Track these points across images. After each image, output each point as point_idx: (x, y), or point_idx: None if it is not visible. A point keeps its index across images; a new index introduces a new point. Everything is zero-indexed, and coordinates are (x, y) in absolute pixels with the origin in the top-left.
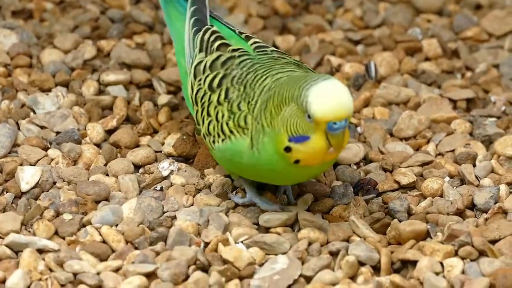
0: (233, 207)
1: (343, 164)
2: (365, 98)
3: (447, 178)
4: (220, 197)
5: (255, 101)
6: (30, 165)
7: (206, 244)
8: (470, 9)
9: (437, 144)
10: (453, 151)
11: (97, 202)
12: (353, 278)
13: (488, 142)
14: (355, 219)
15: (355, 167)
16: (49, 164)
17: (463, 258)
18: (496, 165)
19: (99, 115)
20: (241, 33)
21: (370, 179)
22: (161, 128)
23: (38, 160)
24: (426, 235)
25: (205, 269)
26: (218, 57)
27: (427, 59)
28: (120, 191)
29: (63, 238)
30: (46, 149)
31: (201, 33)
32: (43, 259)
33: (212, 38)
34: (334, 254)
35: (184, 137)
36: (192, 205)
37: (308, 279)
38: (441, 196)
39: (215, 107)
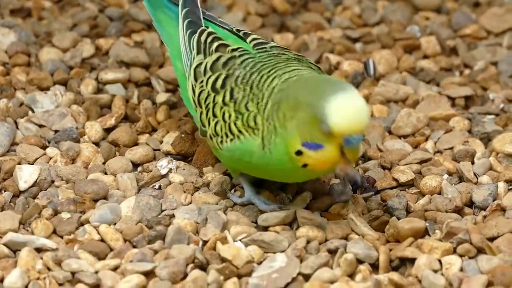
0: (231, 205)
1: None
2: (364, 96)
3: (446, 176)
4: (219, 196)
5: (265, 102)
6: (29, 163)
7: (205, 242)
8: (469, 7)
9: (436, 141)
10: (451, 148)
11: (96, 200)
12: (351, 276)
13: (486, 139)
14: (353, 217)
15: (353, 164)
16: (48, 162)
17: (461, 256)
18: (494, 162)
19: (97, 114)
20: (238, 30)
21: (368, 177)
22: (160, 127)
23: (37, 158)
24: (424, 233)
25: (203, 267)
26: (218, 58)
27: (425, 56)
28: (118, 189)
29: (61, 237)
30: (44, 147)
31: (196, 35)
32: (41, 258)
33: (209, 40)
34: (332, 252)
35: (183, 135)
36: (190, 203)
37: (307, 277)
38: (439, 193)
39: (221, 108)
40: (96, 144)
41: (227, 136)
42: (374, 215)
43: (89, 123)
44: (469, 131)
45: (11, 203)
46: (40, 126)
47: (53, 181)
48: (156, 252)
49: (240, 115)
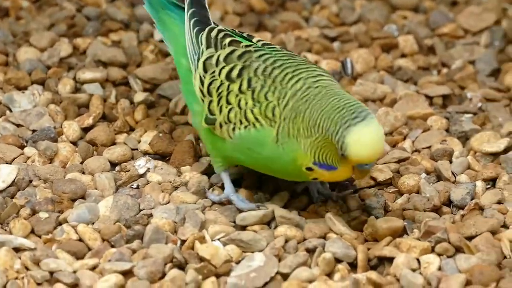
0: (209, 205)
1: None
2: None
3: (424, 175)
4: (197, 195)
5: (286, 100)
6: (6, 163)
7: (183, 241)
8: (446, 6)
9: (414, 140)
10: (429, 147)
11: (73, 200)
12: (329, 275)
13: (464, 138)
14: (331, 216)
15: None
16: (25, 162)
17: (439, 255)
18: (472, 161)
19: (75, 113)
20: (242, 32)
21: None
22: (138, 126)
23: (14, 158)
24: (402, 232)
25: (181, 266)
26: (232, 51)
27: (403, 55)
28: (96, 189)
29: (40, 237)
30: (22, 147)
31: (205, 32)
32: (20, 258)
33: (220, 35)
34: (310, 251)
35: (161, 134)
36: (168, 202)
37: (285, 276)
38: (417, 192)
39: (237, 95)
40: (74, 143)
41: (241, 123)
42: (353, 215)
43: (67, 122)
44: (447, 130)
45: None
46: (18, 125)
47: (31, 181)
48: (134, 251)
49: (258, 103)
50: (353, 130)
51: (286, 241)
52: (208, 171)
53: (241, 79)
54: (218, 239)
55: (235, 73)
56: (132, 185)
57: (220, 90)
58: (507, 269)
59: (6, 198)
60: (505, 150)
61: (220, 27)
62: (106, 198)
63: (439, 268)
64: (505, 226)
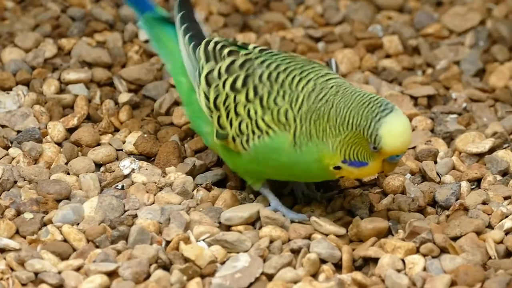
0: (194, 205)
1: None
2: None
3: (408, 175)
4: (181, 196)
5: (300, 102)
6: None
7: (168, 242)
8: (431, 6)
9: None
10: (414, 148)
11: (58, 201)
12: (314, 275)
13: (449, 138)
14: (315, 218)
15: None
16: (10, 163)
17: (424, 255)
18: (457, 162)
19: (60, 114)
20: (235, 40)
21: None
22: (122, 127)
23: None
24: (387, 232)
25: (166, 267)
26: (233, 61)
27: (388, 56)
28: (81, 190)
29: (24, 237)
30: (7, 148)
31: (202, 46)
32: (4, 258)
33: (218, 47)
34: (295, 252)
35: (145, 135)
36: (153, 203)
37: (270, 277)
38: (402, 193)
39: (245, 106)
40: (59, 144)
41: (253, 133)
42: (338, 215)
43: (52, 123)
44: (432, 131)
45: None
46: (3, 126)
47: (15, 182)
48: (119, 252)
49: (269, 110)
50: (385, 122)
51: (271, 241)
52: (193, 172)
53: (246, 88)
54: (203, 240)
55: (239, 83)
56: (117, 185)
57: (227, 103)
58: (492, 269)
59: None
60: (490, 151)
61: (216, 38)
62: (91, 198)
63: (424, 269)
64: (490, 226)
